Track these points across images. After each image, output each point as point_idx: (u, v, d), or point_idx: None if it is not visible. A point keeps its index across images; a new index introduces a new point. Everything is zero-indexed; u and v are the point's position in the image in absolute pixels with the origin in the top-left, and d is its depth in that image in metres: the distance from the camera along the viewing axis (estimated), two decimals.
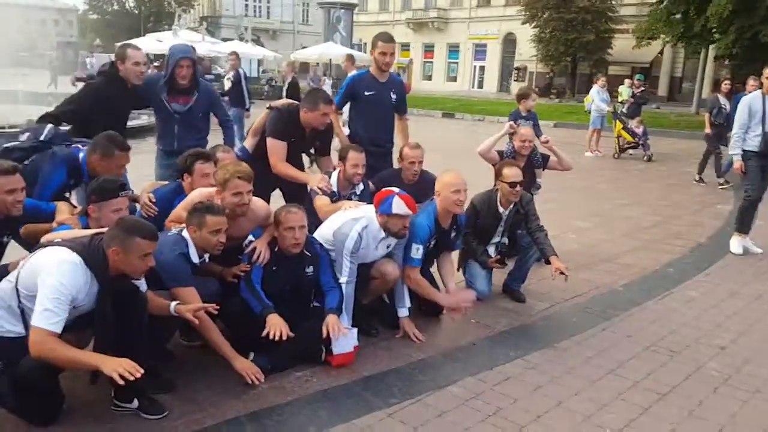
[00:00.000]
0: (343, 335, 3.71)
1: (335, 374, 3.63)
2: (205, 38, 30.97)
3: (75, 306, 2.83)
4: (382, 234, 3.92)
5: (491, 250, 4.99)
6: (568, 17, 34.16)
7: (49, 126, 4.06)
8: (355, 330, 3.86)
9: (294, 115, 4.60)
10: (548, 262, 4.64)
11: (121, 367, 2.61)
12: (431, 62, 49.19)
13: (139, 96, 4.85)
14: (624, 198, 9.52)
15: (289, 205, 3.82)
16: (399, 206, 3.81)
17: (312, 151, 5.06)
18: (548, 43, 35.94)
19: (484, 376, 3.71)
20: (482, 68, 45.56)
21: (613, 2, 35.39)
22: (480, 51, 45.58)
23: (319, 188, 4.37)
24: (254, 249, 3.74)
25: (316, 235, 4.06)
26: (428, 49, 49.01)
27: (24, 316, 2.90)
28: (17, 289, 2.89)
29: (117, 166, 3.83)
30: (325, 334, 3.60)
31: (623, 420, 3.29)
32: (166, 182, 4.44)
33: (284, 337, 3.45)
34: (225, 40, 36.51)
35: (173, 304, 3.22)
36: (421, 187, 4.90)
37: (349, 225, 3.89)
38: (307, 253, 3.82)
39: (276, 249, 3.77)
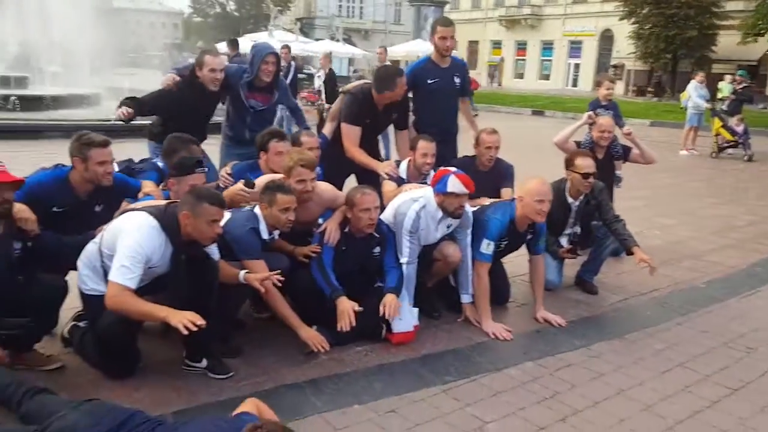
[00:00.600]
0: (403, 314, 3.77)
1: (394, 351, 3.70)
2: (299, 38, 31.89)
3: (150, 267, 3.04)
4: (440, 214, 3.93)
5: (563, 240, 4.89)
6: (669, 12, 32.59)
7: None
8: (416, 310, 3.91)
9: (367, 96, 4.68)
10: (630, 253, 4.49)
11: (185, 319, 2.78)
12: (524, 60, 48.34)
13: (219, 94, 4.95)
14: (717, 197, 9.03)
15: (363, 186, 3.92)
16: (454, 185, 3.82)
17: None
18: (647, 40, 34.45)
19: (544, 361, 3.67)
20: (577, 66, 44.32)
21: None
22: (575, 48, 44.36)
23: (386, 173, 4.44)
24: (325, 229, 3.86)
25: (381, 217, 4.13)
26: (521, 47, 48.19)
27: (106, 276, 3.14)
28: (101, 250, 3.14)
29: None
30: (381, 313, 3.66)
31: (687, 411, 3.16)
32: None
33: (349, 327, 3.56)
34: (317, 40, 37.44)
35: (242, 272, 3.38)
36: (496, 175, 4.89)
37: (408, 205, 3.94)
38: (376, 234, 3.90)
39: (346, 229, 3.88)
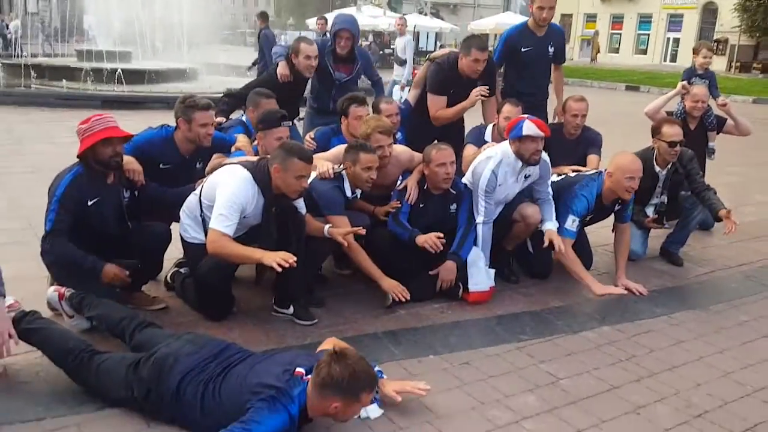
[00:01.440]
0: (480, 274, 3.87)
1: (470, 310, 3.80)
2: (387, 13, 31.93)
3: (244, 216, 3.27)
4: (519, 164, 3.95)
5: (649, 210, 4.79)
6: None
7: None
8: (493, 271, 3.98)
9: (453, 66, 4.74)
10: (718, 219, 4.38)
11: (279, 258, 3.01)
12: (619, 34, 46.17)
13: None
14: None
15: (439, 143, 4.01)
16: (529, 128, 3.83)
17: None
18: (755, 12, 32.19)
19: (622, 326, 3.67)
20: (676, 40, 41.93)
21: None
22: (675, 21, 41.92)
23: (478, 94, 4.58)
24: (405, 187, 4.00)
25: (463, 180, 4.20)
26: (617, 20, 46.03)
27: (205, 225, 3.40)
28: (201, 201, 3.41)
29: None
30: (439, 285, 3.82)
31: None
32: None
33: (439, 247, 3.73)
34: (405, 15, 37.27)
35: (327, 227, 3.57)
36: (583, 143, 4.85)
37: (483, 164, 3.99)
38: (452, 192, 4.00)
39: (424, 187, 4.00)
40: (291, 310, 3.54)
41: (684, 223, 4.76)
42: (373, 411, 2.64)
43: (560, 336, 3.52)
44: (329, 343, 2.72)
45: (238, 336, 3.31)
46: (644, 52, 43.86)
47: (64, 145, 7.50)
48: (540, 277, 4.30)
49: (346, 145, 4.06)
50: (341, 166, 3.76)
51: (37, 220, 4.30)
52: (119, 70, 13.27)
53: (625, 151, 4.13)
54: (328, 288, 4.00)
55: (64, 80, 13.43)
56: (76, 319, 3.14)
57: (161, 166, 3.72)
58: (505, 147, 4.01)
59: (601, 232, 4.73)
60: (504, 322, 3.66)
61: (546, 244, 4.04)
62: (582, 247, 4.40)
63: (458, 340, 3.42)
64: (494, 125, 4.64)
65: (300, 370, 2.40)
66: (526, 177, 4.08)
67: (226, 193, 3.21)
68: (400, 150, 4.16)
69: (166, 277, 3.84)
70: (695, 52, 6.30)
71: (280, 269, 2.99)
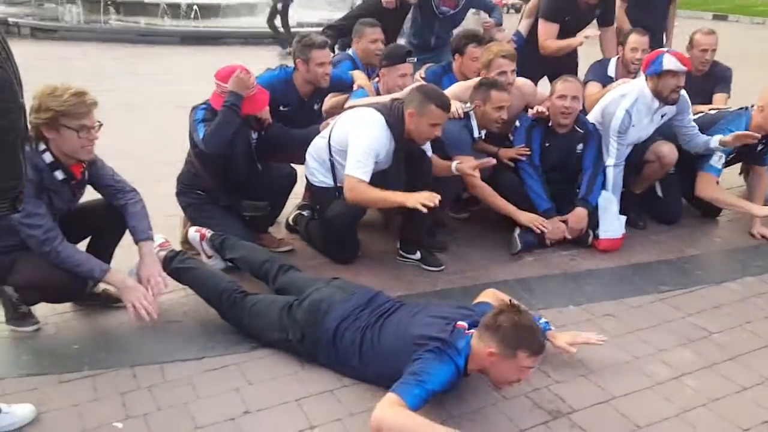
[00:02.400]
0: (611, 220, 3.70)
1: (601, 257, 3.65)
2: None
3: (376, 161, 3.18)
4: (656, 104, 3.70)
5: None
6: None
7: None
8: (624, 218, 3.80)
9: None
10: None
11: (422, 198, 2.93)
12: None
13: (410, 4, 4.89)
14: None
15: (566, 75, 3.79)
16: (670, 62, 3.56)
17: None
18: None
19: (766, 277, 3.46)
20: None
21: None
22: None
23: (587, 35, 4.33)
24: (530, 129, 3.81)
25: (588, 117, 3.97)
26: None
27: (334, 170, 3.34)
28: (329, 144, 3.32)
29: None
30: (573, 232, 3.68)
31: None
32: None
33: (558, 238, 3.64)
34: None
35: (454, 163, 3.42)
36: (711, 80, 4.52)
37: (616, 103, 3.75)
38: (579, 131, 3.79)
39: (549, 124, 3.80)
40: (418, 255, 3.48)
41: None
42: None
43: (702, 287, 3.35)
44: (489, 295, 2.64)
45: (367, 281, 3.24)
46: None
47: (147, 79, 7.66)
48: (668, 223, 4.10)
49: (465, 82, 3.89)
50: (469, 104, 3.59)
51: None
52: (195, 6, 13.19)
53: None
54: (447, 233, 3.91)
55: (141, 17, 13.46)
56: (215, 260, 3.17)
57: (281, 108, 3.64)
58: (641, 84, 3.74)
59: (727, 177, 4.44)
60: (640, 272, 3.50)
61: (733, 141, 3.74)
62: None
63: (594, 289, 3.30)
64: (618, 58, 4.35)
65: (462, 323, 2.34)
66: (662, 117, 3.82)
67: (361, 139, 3.12)
68: (523, 81, 3.95)
69: (287, 219, 3.82)
70: None
71: (426, 210, 2.90)
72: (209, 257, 3.17)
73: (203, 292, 2.82)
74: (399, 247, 3.53)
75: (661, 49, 3.75)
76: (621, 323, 2.98)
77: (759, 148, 3.93)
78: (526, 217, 3.61)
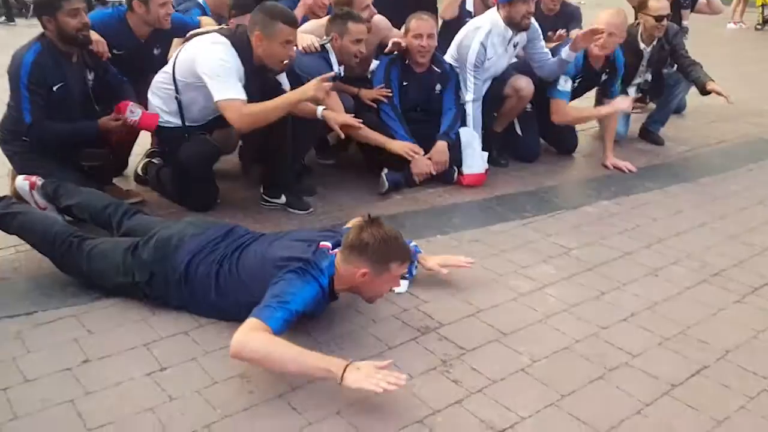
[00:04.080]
0: (474, 156, 3.72)
1: (466, 192, 3.67)
2: None
3: None
4: (509, 33, 3.75)
5: (632, 91, 4.68)
6: None
7: None
8: (486, 154, 3.83)
9: None
10: (705, 93, 4.33)
11: (313, 86, 2.83)
12: None
13: None
14: None
15: (421, 12, 3.73)
16: None
17: None
18: None
19: (620, 200, 3.63)
20: None
21: None
22: None
23: None
24: (387, 71, 3.72)
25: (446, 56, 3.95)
26: None
27: (180, 107, 3.07)
28: (174, 78, 3.03)
29: None
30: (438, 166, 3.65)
31: None
32: None
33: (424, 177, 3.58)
34: None
35: (320, 108, 3.23)
36: (562, 19, 4.65)
37: (471, 36, 3.76)
38: (436, 70, 3.77)
39: (406, 62, 3.74)
40: (283, 199, 3.31)
41: (666, 100, 4.72)
42: (400, 285, 2.49)
43: (561, 212, 3.44)
44: (354, 223, 2.53)
45: None
46: None
47: None
48: (528, 161, 4.19)
49: (319, 20, 3.74)
50: (326, 38, 3.45)
51: None
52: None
53: (608, 9, 3.95)
54: (315, 178, 3.78)
55: None
56: (49, 211, 2.80)
57: (114, 51, 3.26)
58: (493, 15, 3.77)
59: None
60: (503, 202, 3.55)
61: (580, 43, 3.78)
62: (566, 129, 4.30)
63: (461, 220, 3.29)
64: None
65: (325, 243, 2.21)
66: (514, 46, 3.87)
67: (211, 61, 2.85)
68: (379, 18, 3.85)
69: (136, 169, 3.52)
70: None
71: (322, 95, 2.86)
72: (43, 209, 2.80)
73: (33, 238, 2.48)
74: (263, 192, 3.34)
75: None
76: (486, 246, 2.98)
77: (604, 77, 4.11)
78: (398, 145, 3.53)
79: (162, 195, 3.34)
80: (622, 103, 3.96)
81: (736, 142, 4.84)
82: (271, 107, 2.87)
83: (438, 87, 3.81)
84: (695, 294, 2.62)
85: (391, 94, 3.70)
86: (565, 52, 3.79)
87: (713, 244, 3.08)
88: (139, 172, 3.49)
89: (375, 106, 3.74)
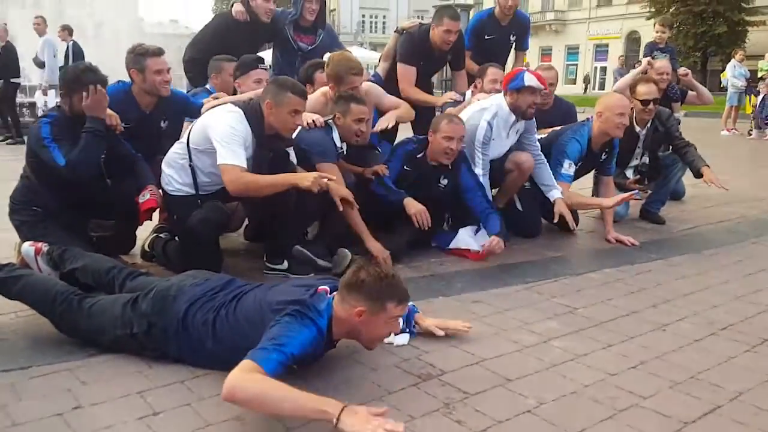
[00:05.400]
0: (478, 233, 3.77)
1: (467, 263, 3.66)
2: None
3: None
4: (512, 118, 3.90)
5: (629, 173, 4.81)
6: (698, 10, 32.21)
7: None
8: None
9: (424, 36, 4.69)
10: (699, 176, 4.42)
11: (312, 178, 2.90)
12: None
13: (268, 32, 4.92)
14: None
15: (454, 116, 3.83)
16: (531, 79, 3.80)
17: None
18: (676, 38, 34.03)
19: (624, 268, 3.61)
20: (603, 69, 43.93)
21: None
22: (601, 51, 44.07)
23: (450, 98, 4.45)
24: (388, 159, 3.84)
25: None
26: (545, 53, 48.00)
27: (194, 174, 3.16)
28: (189, 147, 3.15)
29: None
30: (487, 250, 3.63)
31: None
32: None
33: (427, 225, 3.59)
34: None
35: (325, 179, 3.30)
36: (558, 114, 4.83)
37: (478, 116, 3.91)
38: (445, 164, 3.80)
39: (420, 154, 3.83)
40: (285, 265, 3.32)
41: (664, 181, 4.80)
42: (400, 338, 2.46)
43: (565, 277, 3.43)
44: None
45: None
46: (573, 81, 45.75)
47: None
48: (529, 237, 4.22)
49: (321, 96, 3.89)
50: (329, 116, 3.60)
51: None
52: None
53: (611, 92, 4.15)
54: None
55: None
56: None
57: (123, 125, 3.39)
58: (499, 99, 3.95)
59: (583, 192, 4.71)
60: (507, 270, 3.54)
61: (556, 219, 3.95)
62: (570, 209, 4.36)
63: (464, 285, 3.27)
64: (475, 87, 4.58)
65: (324, 287, 2.21)
66: (516, 132, 4.03)
67: (221, 129, 2.97)
68: (368, 86, 4.01)
69: (143, 245, 3.55)
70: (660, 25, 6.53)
71: (316, 190, 2.89)
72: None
73: (33, 299, 2.48)
74: (265, 260, 3.36)
75: (520, 67, 4.00)
76: (489, 306, 2.95)
77: (603, 157, 4.22)
78: (374, 246, 3.44)
79: (167, 268, 3.36)
80: (625, 196, 4.06)
81: (737, 222, 4.88)
82: (265, 182, 2.99)
83: (444, 181, 3.85)
84: (705, 344, 2.56)
85: (386, 171, 3.75)
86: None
87: (720, 304, 3.03)
88: (146, 248, 3.52)
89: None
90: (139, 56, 3.44)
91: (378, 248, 3.50)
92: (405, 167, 3.86)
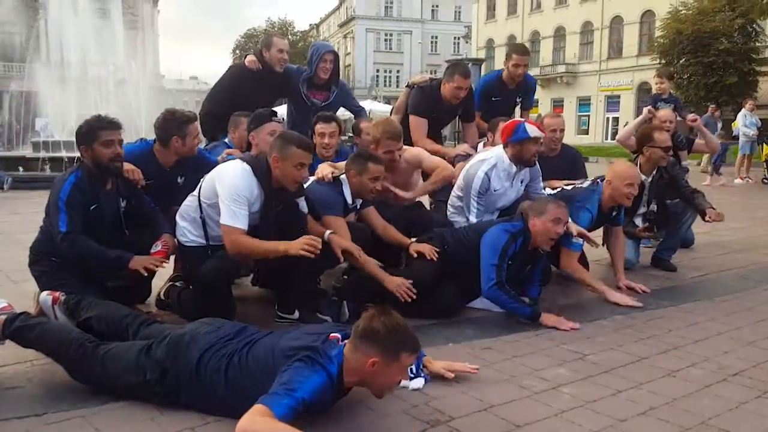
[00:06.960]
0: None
1: (478, 310, 3.67)
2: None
3: (251, 212, 3.14)
4: (514, 168, 3.98)
5: (638, 221, 4.83)
6: (708, 60, 32.61)
7: None
8: None
9: (435, 90, 4.83)
10: (704, 216, 4.45)
11: (303, 244, 2.93)
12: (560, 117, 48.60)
13: (281, 85, 5.05)
14: None
15: (558, 200, 3.70)
16: (532, 130, 3.89)
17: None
18: (687, 89, 34.37)
19: (634, 314, 3.62)
20: (615, 119, 44.28)
21: (757, 44, 33.41)
22: (612, 102, 44.51)
23: (464, 151, 4.56)
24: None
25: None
26: (557, 104, 48.57)
27: (205, 227, 3.26)
28: (200, 201, 3.26)
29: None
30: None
31: None
32: None
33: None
34: None
35: (328, 232, 3.39)
36: (565, 161, 4.91)
37: (476, 166, 4.01)
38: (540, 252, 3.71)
39: (528, 248, 3.63)
40: (296, 314, 3.37)
41: (675, 228, 4.82)
42: (415, 383, 2.49)
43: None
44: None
45: None
46: (586, 132, 46.08)
47: (27, 214, 7.27)
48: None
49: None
50: (341, 171, 3.70)
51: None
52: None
53: (620, 159, 4.21)
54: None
55: (20, 168, 13.00)
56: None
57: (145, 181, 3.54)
58: (499, 151, 4.04)
59: (593, 250, 4.73)
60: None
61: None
62: (580, 258, 4.37)
63: (474, 332, 3.29)
64: (487, 141, 4.70)
65: (335, 334, 2.26)
66: (521, 182, 4.11)
67: (228, 186, 3.10)
68: (414, 151, 4.19)
69: (158, 294, 3.62)
70: (659, 77, 6.66)
71: (311, 255, 2.92)
72: None
73: (49, 345, 2.54)
74: (277, 309, 3.41)
75: (516, 119, 4.11)
76: (499, 353, 2.97)
77: (613, 214, 4.26)
78: (392, 283, 3.41)
79: (182, 317, 3.41)
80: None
81: (750, 269, 4.85)
82: (260, 248, 3.09)
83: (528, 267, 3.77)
84: (715, 390, 2.55)
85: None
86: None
87: (731, 350, 3.02)
88: (161, 296, 3.59)
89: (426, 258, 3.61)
90: (183, 123, 3.60)
91: (395, 284, 3.41)
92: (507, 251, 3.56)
